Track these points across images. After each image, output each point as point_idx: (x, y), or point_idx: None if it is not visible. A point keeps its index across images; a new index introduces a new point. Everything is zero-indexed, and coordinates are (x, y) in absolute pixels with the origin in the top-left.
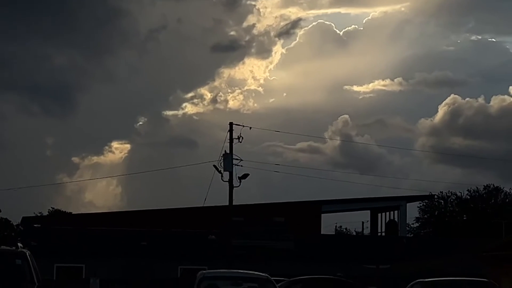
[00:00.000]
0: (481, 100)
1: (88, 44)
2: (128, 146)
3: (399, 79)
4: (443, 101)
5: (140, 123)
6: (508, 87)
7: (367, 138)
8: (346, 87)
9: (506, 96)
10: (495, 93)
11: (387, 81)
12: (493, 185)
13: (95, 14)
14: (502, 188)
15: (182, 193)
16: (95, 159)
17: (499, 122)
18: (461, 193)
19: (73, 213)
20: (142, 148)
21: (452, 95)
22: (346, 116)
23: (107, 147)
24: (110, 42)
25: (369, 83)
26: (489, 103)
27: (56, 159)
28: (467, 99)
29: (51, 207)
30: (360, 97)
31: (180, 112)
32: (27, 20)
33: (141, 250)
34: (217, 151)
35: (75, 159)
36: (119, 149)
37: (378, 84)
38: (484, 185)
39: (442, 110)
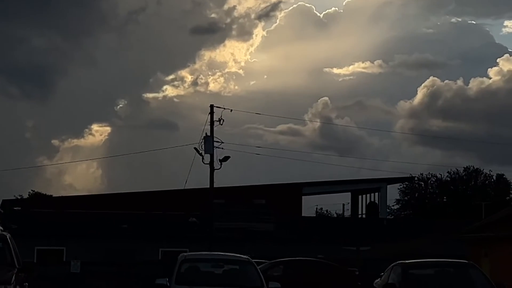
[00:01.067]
0: (460, 82)
1: (67, 26)
2: (108, 128)
3: (379, 61)
4: (422, 84)
5: (120, 105)
6: (487, 70)
7: (347, 120)
8: (326, 69)
9: (484, 79)
10: (474, 75)
11: (367, 64)
12: (473, 167)
13: None
14: (482, 170)
15: (163, 175)
16: (75, 141)
17: (478, 104)
18: (441, 175)
19: (53, 196)
20: (122, 131)
21: (431, 77)
22: (326, 98)
23: (87, 130)
24: (89, 24)
25: (349, 66)
26: (468, 85)
27: (36, 142)
28: (446, 81)
29: (31, 190)
30: (340, 79)
31: (161, 94)
32: (4, 1)
33: (122, 233)
34: (198, 133)
35: (55, 142)
36: (99, 132)
37: (358, 67)
38: (464, 167)
39: (421, 92)
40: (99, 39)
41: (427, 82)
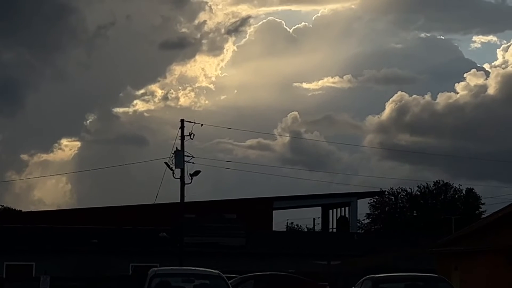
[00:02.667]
0: (427, 97)
1: (36, 41)
2: (78, 143)
3: (348, 76)
4: (390, 98)
5: (90, 120)
6: (454, 84)
7: (316, 135)
8: (296, 84)
9: (452, 93)
10: (442, 90)
11: (336, 78)
12: (443, 181)
13: (42, 11)
14: (451, 184)
15: (133, 190)
16: (44, 156)
17: (445, 119)
18: (411, 189)
19: (22, 210)
20: (92, 145)
21: (399, 92)
22: (296, 113)
23: (56, 145)
24: (58, 39)
25: (319, 80)
26: (435, 100)
27: (4, 156)
28: (414, 96)
29: (0, 205)
30: (310, 94)
31: (131, 109)
32: None
33: (92, 248)
34: (168, 148)
35: (24, 156)
36: (68, 147)
37: (327, 81)
38: (433, 181)
39: (389, 107)
40: (69, 54)
41: (395, 97)
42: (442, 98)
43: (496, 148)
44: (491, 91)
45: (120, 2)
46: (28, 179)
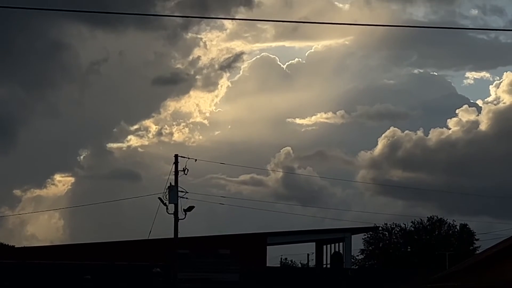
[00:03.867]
0: (420, 132)
1: (29, 77)
2: (71, 179)
3: (342, 111)
4: (382, 134)
5: (83, 155)
6: (446, 120)
7: (309, 170)
8: (289, 119)
9: (444, 129)
10: (434, 126)
11: (330, 114)
12: (437, 217)
13: (35, 47)
14: (445, 220)
15: (127, 226)
16: (37, 191)
17: (437, 154)
18: (405, 224)
19: (15, 246)
20: (85, 181)
21: (391, 128)
22: (289, 148)
23: (49, 180)
24: (52, 75)
25: (312, 116)
26: (427, 135)
27: None
28: (406, 131)
29: None
30: (303, 129)
31: (125, 144)
32: None
33: (85, 284)
34: (161, 184)
35: (17, 192)
36: (62, 182)
37: (320, 117)
38: (427, 217)
39: (381, 142)
40: (62, 90)
41: (387, 133)
42: (434, 134)
43: (489, 184)
44: (483, 127)
45: (113, 38)
46: (21, 215)
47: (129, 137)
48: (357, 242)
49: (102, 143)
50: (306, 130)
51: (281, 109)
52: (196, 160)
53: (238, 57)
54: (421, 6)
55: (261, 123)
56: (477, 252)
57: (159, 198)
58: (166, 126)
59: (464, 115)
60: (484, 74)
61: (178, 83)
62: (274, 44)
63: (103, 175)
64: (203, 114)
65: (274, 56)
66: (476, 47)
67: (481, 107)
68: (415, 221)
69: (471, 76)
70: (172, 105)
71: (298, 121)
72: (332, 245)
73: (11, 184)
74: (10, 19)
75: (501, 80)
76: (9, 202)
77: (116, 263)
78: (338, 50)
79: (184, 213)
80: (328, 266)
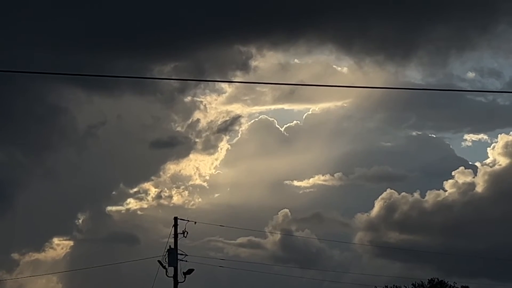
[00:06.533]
0: (416, 195)
1: (27, 140)
2: (69, 242)
3: (339, 174)
4: (379, 196)
5: (82, 219)
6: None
7: (307, 233)
8: (286, 182)
9: (440, 191)
10: (431, 188)
11: (327, 176)
12: (437, 279)
13: (33, 110)
14: (446, 282)
15: None
16: (35, 255)
17: (434, 216)
18: (406, 286)
19: None
20: (84, 244)
21: (388, 190)
22: (287, 210)
23: (47, 244)
24: (49, 139)
25: (309, 178)
26: (424, 198)
27: None
28: (403, 193)
29: None
30: (301, 191)
31: (124, 207)
32: None
33: None
34: (160, 247)
35: (15, 255)
36: (60, 246)
37: (318, 179)
38: (428, 279)
39: (378, 205)
40: (59, 153)
41: (384, 195)
42: (431, 196)
43: (486, 246)
44: (479, 189)
45: (111, 102)
46: (19, 279)
47: (128, 200)
48: None
49: (101, 206)
50: (304, 192)
51: (279, 171)
52: (195, 222)
53: (236, 119)
54: (419, 69)
55: (260, 186)
56: None
57: (159, 261)
58: (165, 188)
59: (460, 176)
60: (482, 136)
61: (178, 146)
62: (272, 107)
63: (101, 238)
64: (203, 177)
65: (272, 118)
66: (474, 109)
67: (478, 169)
68: (416, 283)
69: (469, 138)
70: (172, 168)
71: (296, 183)
72: None
73: (9, 248)
74: (9, 83)
75: (498, 142)
76: (7, 266)
77: None
78: (336, 113)
79: (183, 276)
80: None
